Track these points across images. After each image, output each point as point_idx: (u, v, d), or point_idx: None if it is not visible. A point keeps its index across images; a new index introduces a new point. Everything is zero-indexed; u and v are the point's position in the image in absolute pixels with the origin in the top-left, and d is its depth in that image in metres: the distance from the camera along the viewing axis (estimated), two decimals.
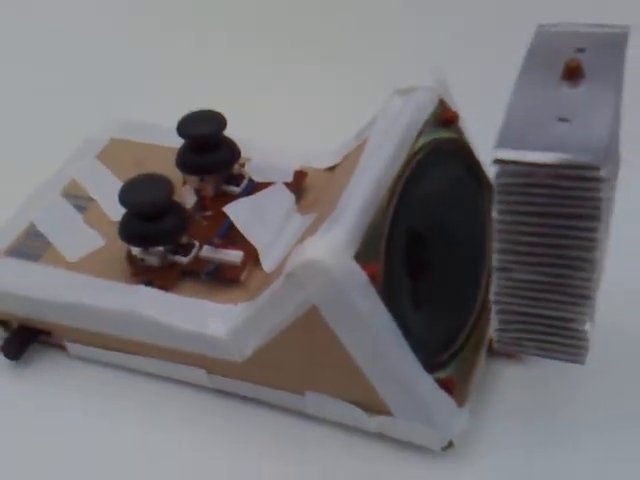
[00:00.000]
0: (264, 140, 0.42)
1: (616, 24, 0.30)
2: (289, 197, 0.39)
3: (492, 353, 0.35)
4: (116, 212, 0.37)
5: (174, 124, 0.40)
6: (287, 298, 0.30)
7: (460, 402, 0.32)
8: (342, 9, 0.62)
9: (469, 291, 0.36)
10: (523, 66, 0.28)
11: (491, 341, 0.35)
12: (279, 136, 0.43)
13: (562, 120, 0.26)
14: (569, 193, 0.25)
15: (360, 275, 0.29)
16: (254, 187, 0.40)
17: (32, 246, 0.39)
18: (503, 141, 0.25)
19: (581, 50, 0.28)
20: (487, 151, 0.36)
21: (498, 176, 0.26)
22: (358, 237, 0.30)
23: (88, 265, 0.37)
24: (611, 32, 0.29)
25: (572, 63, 0.27)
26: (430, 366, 0.31)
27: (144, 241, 0.36)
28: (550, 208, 0.26)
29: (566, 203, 0.25)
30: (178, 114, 0.40)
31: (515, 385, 0.35)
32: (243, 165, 0.41)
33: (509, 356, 0.36)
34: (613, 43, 0.29)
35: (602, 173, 0.24)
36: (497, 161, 0.25)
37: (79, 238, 0.39)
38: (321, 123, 0.49)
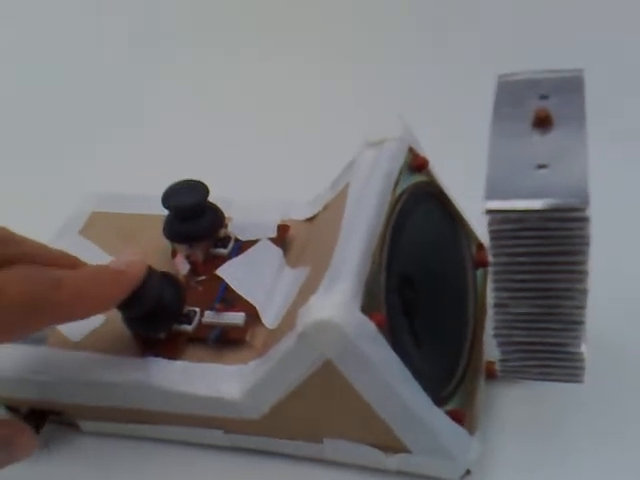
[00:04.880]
0: (241, 198, 0.44)
1: (569, 68, 0.33)
2: (277, 252, 0.40)
3: (490, 377, 0.37)
4: None
5: (150, 192, 0.41)
6: (301, 356, 0.32)
7: (471, 431, 0.34)
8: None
9: (459, 321, 0.38)
10: (493, 117, 0.31)
11: (487, 366, 0.37)
12: (251, 191, 0.45)
13: (541, 167, 0.28)
14: (557, 233, 0.27)
15: (369, 326, 0.31)
16: (241, 246, 0.41)
17: None
18: (491, 192, 0.28)
19: (544, 97, 0.31)
20: (454, 188, 0.40)
21: (490, 224, 0.28)
22: (360, 289, 0.31)
23: (93, 343, 0.38)
24: (568, 76, 0.32)
25: (541, 113, 0.29)
26: (438, 401, 0.33)
27: (149, 321, 0.36)
28: (540, 248, 0.28)
29: (555, 242, 0.28)
30: (152, 182, 0.41)
31: (514, 405, 0.37)
32: (226, 225, 0.42)
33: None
34: (572, 87, 0.31)
35: (587, 213, 0.27)
36: (489, 211, 0.28)
37: None
38: (289, 175, 0.51)
